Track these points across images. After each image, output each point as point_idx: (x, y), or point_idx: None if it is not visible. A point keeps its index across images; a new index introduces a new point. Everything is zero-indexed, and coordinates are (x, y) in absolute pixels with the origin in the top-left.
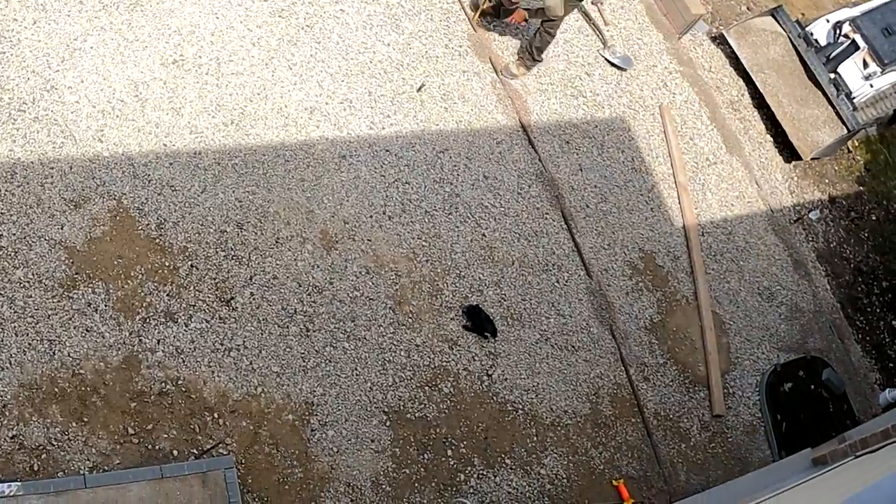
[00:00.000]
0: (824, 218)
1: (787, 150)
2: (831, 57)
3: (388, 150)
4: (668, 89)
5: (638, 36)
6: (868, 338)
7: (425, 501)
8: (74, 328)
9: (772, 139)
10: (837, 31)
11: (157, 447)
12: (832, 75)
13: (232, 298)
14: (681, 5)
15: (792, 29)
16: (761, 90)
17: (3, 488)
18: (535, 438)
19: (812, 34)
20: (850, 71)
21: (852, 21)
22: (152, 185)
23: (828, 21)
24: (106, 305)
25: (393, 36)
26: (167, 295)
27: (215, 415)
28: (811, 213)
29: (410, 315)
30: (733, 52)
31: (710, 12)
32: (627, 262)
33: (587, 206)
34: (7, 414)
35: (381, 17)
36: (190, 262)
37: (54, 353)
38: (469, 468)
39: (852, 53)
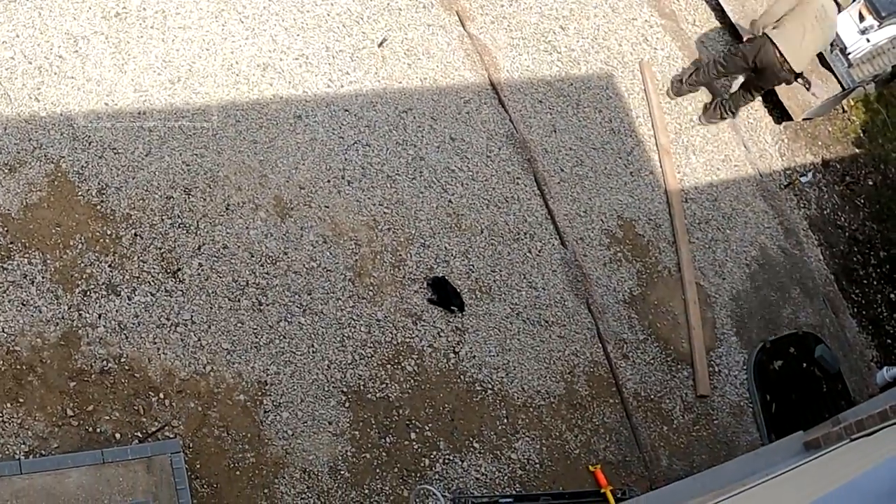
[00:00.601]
0: (817, 183)
1: (777, 111)
2: None
3: (347, 110)
4: (649, 44)
5: None
6: (864, 312)
7: (387, 488)
8: (9, 302)
9: (761, 98)
10: None
11: (98, 430)
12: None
13: (179, 270)
14: None
15: None
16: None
17: None
18: (505, 420)
19: None
20: (845, 24)
21: None
22: (93, 148)
23: None
24: (43, 277)
25: None
26: (109, 266)
27: (161, 395)
28: (803, 178)
29: (371, 287)
30: (719, 3)
31: None
32: (605, 230)
33: (562, 171)
34: None
35: None
36: (133, 231)
37: None
38: (434, 452)
39: (847, 6)
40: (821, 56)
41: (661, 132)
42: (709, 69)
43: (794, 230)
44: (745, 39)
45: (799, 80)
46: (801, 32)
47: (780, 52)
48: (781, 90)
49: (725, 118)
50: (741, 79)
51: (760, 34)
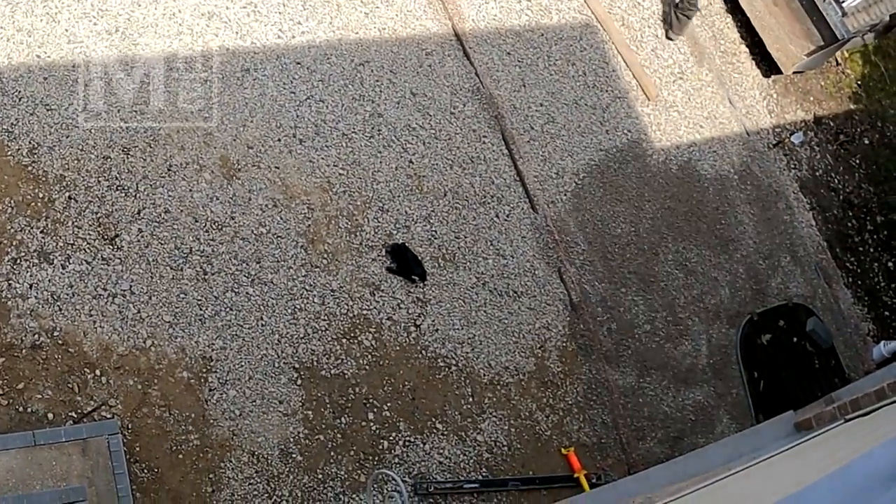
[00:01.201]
0: (809, 142)
1: (766, 63)
2: None
3: (299, 63)
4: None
5: None
6: (860, 282)
7: (342, 472)
8: None
9: (747, 50)
10: None
11: (29, 410)
12: None
13: (117, 236)
14: None
15: None
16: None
17: None
18: (470, 399)
19: None
20: None
21: None
22: (23, 104)
23: None
24: None
25: None
26: (41, 232)
27: (97, 372)
28: (793, 137)
29: (325, 255)
30: None
31: None
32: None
33: (532, 129)
34: None
35: None
36: (68, 194)
37: None
38: (394, 434)
39: None
40: (812, 3)
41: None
42: None
43: (784, 193)
44: None
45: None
46: None
47: None
48: (769, 41)
49: (690, 16)
50: None
51: None
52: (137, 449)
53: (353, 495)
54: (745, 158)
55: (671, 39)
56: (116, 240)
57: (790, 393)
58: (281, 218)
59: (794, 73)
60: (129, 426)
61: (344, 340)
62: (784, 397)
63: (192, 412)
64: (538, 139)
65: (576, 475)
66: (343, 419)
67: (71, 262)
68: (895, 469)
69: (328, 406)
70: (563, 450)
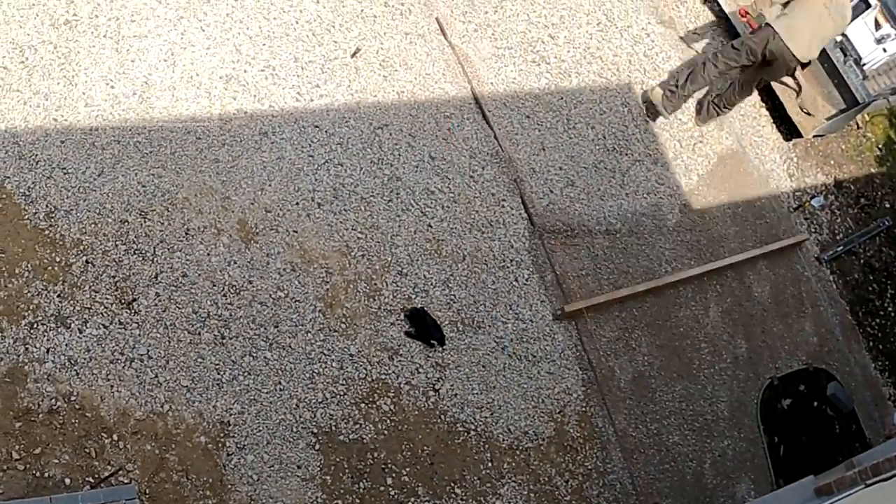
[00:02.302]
0: (829, 205)
1: (786, 126)
2: None
3: (317, 126)
4: (647, 55)
5: None
6: (881, 346)
7: None
8: None
9: (767, 113)
10: None
11: (46, 474)
12: (838, 38)
13: (134, 300)
14: None
15: None
16: None
17: None
18: (489, 464)
19: None
20: (860, 33)
21: None
22: (41, 167)
23: None
24: None
25: None
26: (58, 296)
27: (115, 436)
28: (814, 200)
29: (343, 319)
30: (723, 10)
31: None
32: None
33: (551, 192)
34: None
35: None
36: (85, 258)
37: None
38: (413, 499)
39: (862, 12)
40: (832, 66)
41: None
42: (707, 69)
43: (804, 256)
44: (749, 31)
45: (797, 75)
46: (811, 20)
47: (787, 42)
48: (790, 104)
49: (721, 114)
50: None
51: (765, 24)
52: None
53: None
54: (766, 221)
55: (698, 125)
56: (134, 304)
57: (810, 458)
58: (299, 282)
59: (815, 136)
60: (147, 491)
61: (362, 405)
62: (804, 462)
63: (210, 477)
64: (557, 203)
65: None
66: (361, 484)
67: (88, 326)
68: None
69: (346, 471)
70: None
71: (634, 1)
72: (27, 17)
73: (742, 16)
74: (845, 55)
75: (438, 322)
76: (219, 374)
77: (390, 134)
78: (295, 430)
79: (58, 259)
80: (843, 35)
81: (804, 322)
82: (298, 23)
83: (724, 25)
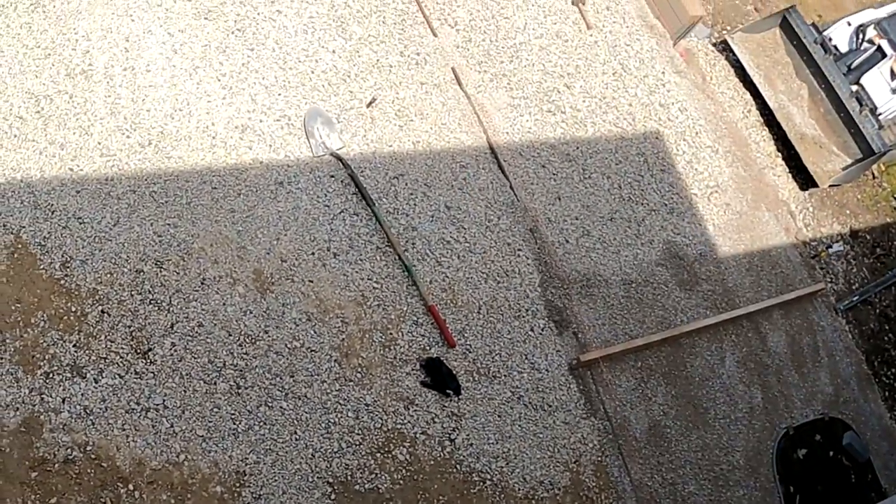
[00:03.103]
0: (845, 255)
1: (802, 176)
2: (853, 66)
3: (332, 176)
4: (663, 105)
5: (626, 42)
6: None
7: None
8: None
9: (783, 163)
10: (860, 36)
11: None
12: (854, 88)
13: (150, 350)
14: (677, 7)
15: (807, 33)
16: (771, 107)
17: None
18: None
19: (830, 39)
20: (876, 83)
21: (878, 24)
22: (56, 217)
23: (849, 24)
24: (2, 358)
25: (339, 42)
26: (74, 345)
27: (130, 486)
28: (830, 250)
29: (359, 369)
30: (738, 59)
31: (711, 14)
32: None
33: (567, 242)
34: None
35: (325, 20)
36: (100, 307)
37: None
38: None
39: (878, 62)
40: (848, 116)
41: None
42: None
43: (820, 306)
44: None
45: None
46: None
47: None
48: (805, 154)
49: None
50: None
51: None
52: None
53: None
54: (782, 271)
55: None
56: (149, 354)
57: None
58: (315, 332)
59: (830, 186)
60: None
61: (378, 455)
62: None
63: None
64: (573, 252)
65: None
66: None
67: (104, 376)
68: None
69: None
70: None
71: (650, 51)
72: (43, 68)
73: None
74: (861, 105)
75: (454, 372)
76: (235, 423)
77: (406, 184)
78: (311, 479)
79: (73, 309)
80: (859, 85)
81: (820, 372)
82: (314, 73)
83: (740, 75)
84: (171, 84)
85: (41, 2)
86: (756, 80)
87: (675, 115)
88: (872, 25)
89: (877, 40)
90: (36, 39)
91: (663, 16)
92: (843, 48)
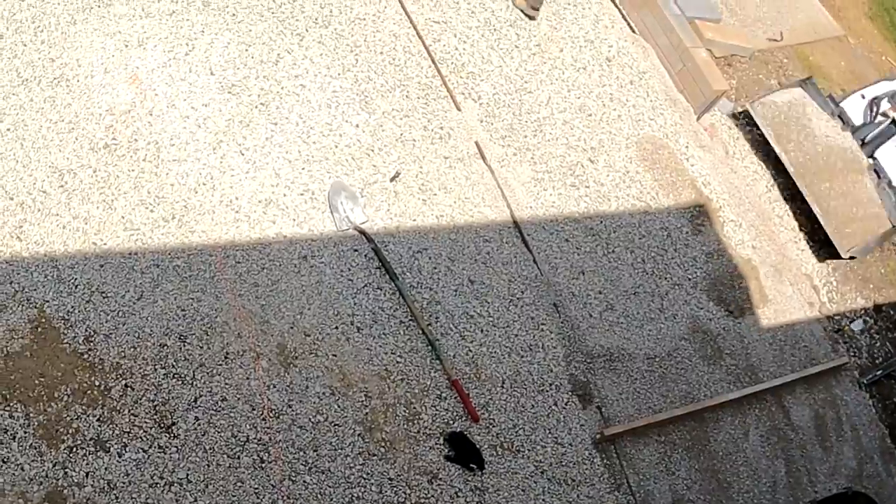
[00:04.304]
0: (868, 329)
1: (825, 249)
2: (867, 139)
3: (356, 250)
4: (687, 179)
5: (650, 115)
6: None
7: None
8: None
9: (806, 236)
10: (875, 109)
11: None
12: (870, 160)
13: (173, 424)
14: (700, 80)
15: (823, 105)
16: (794, 178)
17: None
18: None
19: (845, 111)
20: (891, 156)
21: (892, 97)
22: (80, 291)
23: (863, 97)
24: (25, 432)
25: (362, 116)
26: (97, 420)
27: None
28: (853, 324)
29: (383, 443)
30: (760, 131)
31: (734, 88)
32: None
33: (591, 316)
34: None
35: (349, 94)
36: (124, 382)
37: None
38: None
39: (893, 135)
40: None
41: None
42: None
43: (844, 381)
44: None
45: None
46: None
47: None
48: (828, 226)
49: None
50: None
51: None
52: None
53: None
54: (805, 345)
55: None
56: (173, 428)
57: None
58: (338, 406)
59: (850, 258)
60: None
61: None
62: None
63: None
64: (597, 327)
65: None
66: None
67: (127, 450)
68: None
69: None
70: None
71: (674, 124)
72: (66, 142)
73: None
74: (879, 177)
75: (478, 446)
76: (258, 498)
77: (429, 258)
78: None
79: (97, 383)
80: (874, 158)
81: (843, 446)
82: (338, 147)
83: (762, 148)
84: (194, 158)
85: (65, 75)
86: (777, 149)
87: (700, 189)
88: (887, 98)
89: (891, 113)
90: (60, 113)
91: (687, 90)
92: (858, 120)
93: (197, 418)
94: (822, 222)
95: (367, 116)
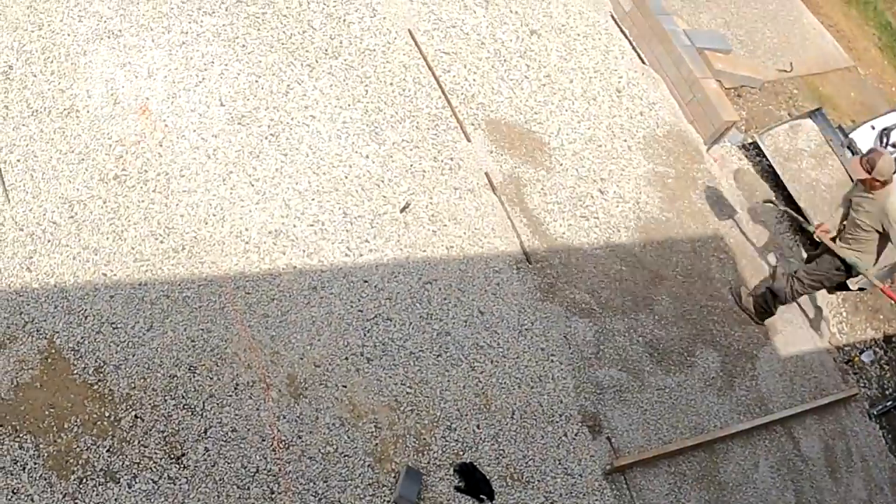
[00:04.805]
0: (878, 360)
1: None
2: None
3: (366, 281)
4: (697, 209)
5: (661, 146)
6: None
7: None
8: None
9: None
10: (885, 140)
11: None
12: None
13: (183, 455)
14: (710, 111)
15: (833, 137)
16: (802, 210)
17: None
18: None
19: (855, 143)
20: None
21: None
22: (90, 322)
23: (873, 128)
24: (35, 463)
25: (372, 147)
26: (107, 451)
27: None
28: (863, 356)
29: (392, 474)
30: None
31: (745, 119)
32: None
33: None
34: None
35: (359, 125)
36: (134, 413)
37: None
38: None
39: None
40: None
41: None
42: (793, 290)
43: (854, 412)
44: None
45: None
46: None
47: None
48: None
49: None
50: None
51: None
52: None
53: None
54: (815, 376)
55: (758, 324)
56: (183, 458)
57: None
58: (348, 437)
59: (862, 290)
60: None
61: None
62: None
63: None
64: (608, 357)
65: None
66: None
67: (137, 481)
68: None
69: None
70: None
71: (684, 154)
72: (76, 173)
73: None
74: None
75: (488, 477)
76: None
77: (440, 289)
78: None
79: (107, 414)
80: None
81: (853, 477)
82: (348, 178)
83: (772, 179)
84: (204, 189)
85: (75, 107)
86: (784, 178)
87: (709, 220)
88: None
89: None
90: (69, 144)
91: (697, 120)
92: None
93: (207, 449)
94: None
95: (377, 147)
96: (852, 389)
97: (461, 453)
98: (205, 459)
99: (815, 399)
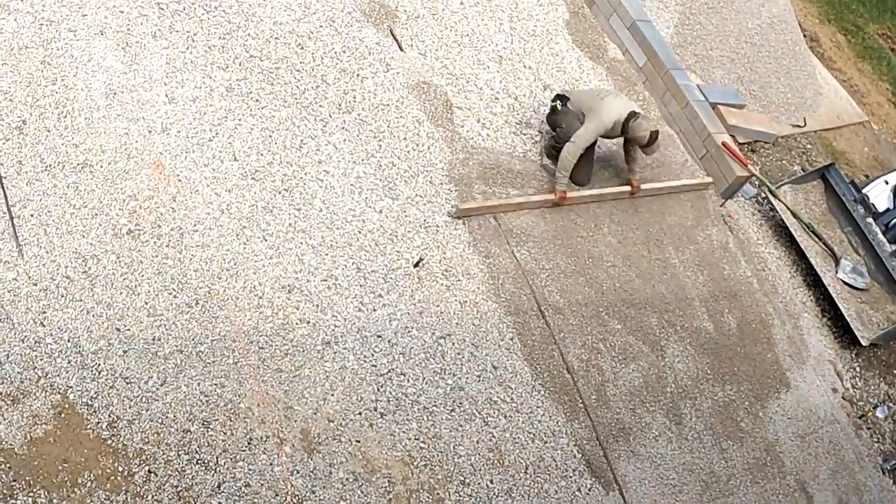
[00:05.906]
0: (892, 415)
1: (848, 335)
2: (890, 226)
3: (379, 336)
4: (712, 264)
5: (675, 201)
6: None
7: None
8: None
9: (830, 323)
10: None
11: None
12: (893, 248)
13: None
14: (724, 165)
15: (846, 192)
16: (811, 262)
17: None
18: None
19: (868, 198)
20: None
21: None
22: (103, 377)
23: (886, 183)
24: None
25: (386, 202)
26: None
27: None
28: (877, 410)
29: None
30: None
31: (760, 173)
32: None
33: (610, 401)
34: None
35: (372, 180)
36: (147, 467)
37: None
38: None
39: None
40: (888, 275)
41: None
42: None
43: (867, 466)
44: None
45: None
46: None
47: None
48: (849, 312)
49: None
50: None
51: None
52: None
53: None
54: (828, 430)
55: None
56: None
57: None
58: (362, 492)
59: (872, 345)
60: None
61: None
62: None
63: None
64: (619, 409)
65: None
66: None
67: None
68: None
69: None
70: None
71: (697, 210)
72: (90, 227)
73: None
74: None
75: None
76: None
77: (453, 343)
78: None
79: (120, 469)
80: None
81: None
82: (361, 233)
83: (785, 234)
84: (218, 244)
85: (89, 162)
86: (796, 235)
87: (726, 275)
88: None
89: None
90: (83, 199)
91: (710, 176)
92: (882, 207)
93: None
94: (842, 310)
95: (391, 202)
96: (863, 444)
97: None
98: None
99: (828, 454)
